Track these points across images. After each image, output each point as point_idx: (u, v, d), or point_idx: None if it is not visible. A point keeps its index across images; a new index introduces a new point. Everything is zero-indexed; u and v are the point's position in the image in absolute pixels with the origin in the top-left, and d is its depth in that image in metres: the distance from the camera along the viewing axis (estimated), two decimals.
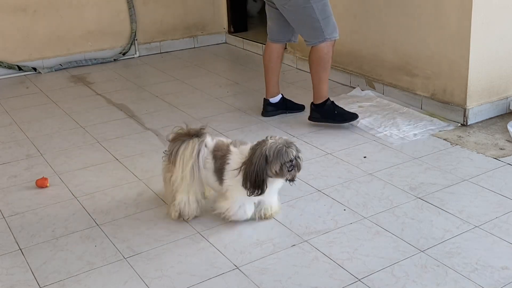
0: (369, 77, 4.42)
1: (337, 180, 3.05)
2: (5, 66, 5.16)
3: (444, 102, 3.83)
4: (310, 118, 3.77)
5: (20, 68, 5.19)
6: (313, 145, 3.49)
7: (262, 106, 4.00)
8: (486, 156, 3.28)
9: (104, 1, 5.52)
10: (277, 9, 3.63)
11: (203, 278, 2.29)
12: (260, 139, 2.51)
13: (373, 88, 4.39)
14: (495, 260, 2.35)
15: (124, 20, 5.66)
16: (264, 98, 3.98)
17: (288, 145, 2.45)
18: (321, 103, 3.68)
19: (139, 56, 5.76)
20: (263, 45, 5.61)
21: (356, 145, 3.49)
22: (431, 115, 3.87)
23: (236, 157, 2.53)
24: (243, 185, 2.46)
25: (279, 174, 2.45)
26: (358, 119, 3.70)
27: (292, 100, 4.06)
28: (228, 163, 2.54)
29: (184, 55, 5.79)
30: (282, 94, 3.98)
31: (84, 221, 2.75)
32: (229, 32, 6.19)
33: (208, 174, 2.60)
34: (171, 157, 2.60)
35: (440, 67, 3.82)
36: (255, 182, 2.43)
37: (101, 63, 5.53)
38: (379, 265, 2.33)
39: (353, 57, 4.56)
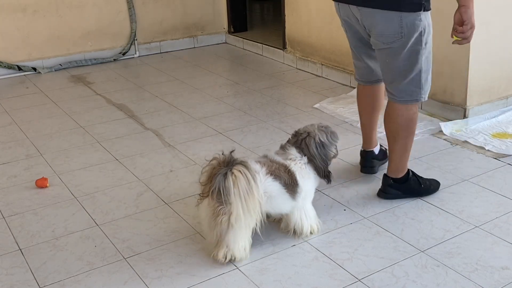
0: None
1: (337, 180, 3.04)
2: (5, 66, 5.16)
3: (444, 102, 3.83)
4: (384, 195, 2.85)
5: (20, 68, 5.19)
6: None
7: (360, 160, 3.12)
8: (486, 156, 3.28)
9: (104, 1, 5.52)
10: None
11: (203, 279, 2.29)
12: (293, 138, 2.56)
13: None
14: (495, 260, 2.35)
15: (124, 20, 5.66)
16: (365, 150, 3.08)
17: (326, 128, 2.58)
18: (404, 176, 2.82)
19: (139, 56, 5.76)
20: (263, 45, 5.63)
21: (356, 145, 3.49)
22: (431, 115, 3.87)
23: (293, 164, 2.45)
24: (322, 176, 2.54)
25: (334, 156, 2.60)
26: (438, 188, 2.93)
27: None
28: (295, 171, 2.44)
29: (184, 55, 5.79)
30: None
31: (84, 221, 2.75)
32: (229, 32, 6.20)
33: (278, 197, 2.39)
34: (220, 197, 2.19)
35: (440, 67, 3.81)
36: (328, 172, 2.55)
37: (101, 63, 5.53)
38: (379, 265, 2.33)
39: None
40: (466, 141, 3.45)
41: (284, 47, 5.33)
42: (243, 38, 5.97)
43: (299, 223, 2.50)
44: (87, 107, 4.34)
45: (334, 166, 3.19)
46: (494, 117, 3.74)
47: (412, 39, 2.51)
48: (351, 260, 2.38)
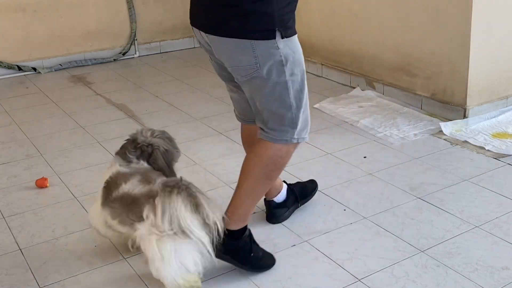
0: (369, 77, 4.43)
1: (337, 180, 3.05)
2: (5, 66, 5.16)
3: (444, 102, 3.83)
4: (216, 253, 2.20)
5: (20, 68, 5.19)
6: (313, 145, 3.49)
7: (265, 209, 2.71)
8: (486, 156, 3.28)
9: (104, 1, 5.52)
10: None
11: (203, 278, 2.28)
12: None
13: (373, 88, 4.39)
14: (495, 260, 2.35)
15: (124, 20, 5.66)
16: (266, 200, 2.67)
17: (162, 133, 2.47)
18: (240, 230, 2.27)
19: (139, 56, 5.76)
20: None
21: (356, 145, 3.49)
22: (431, 115, 3.87)
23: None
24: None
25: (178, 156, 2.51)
26: (271, 267, 2.37)
27: (300, 180, 2.87)
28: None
29: (184, 55, 5.79)
30: (285, 182, 2.71)
31: (84, 221, 2.74)
32: None
33: None
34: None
35: (440, 67, 3.82)
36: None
37: (101, 63, 5.53)
38: (379, 265, 2.33)
39: (353, 57, 4.56)
40: (466, 141, 3.45)
41: None
42: None
43: None
44: (87, 107, 4.34)
45: (334, 166, 3.21)
46: (494, 117, 3.73)
47: (272, 71, 2.09)
48: (351, 260, 2.38)
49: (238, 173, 3.13)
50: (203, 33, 2.18)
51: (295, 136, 2.19)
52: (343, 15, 4.56)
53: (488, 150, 3.32)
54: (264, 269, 2.34)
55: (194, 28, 2.25)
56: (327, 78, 4.80)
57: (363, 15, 4.38)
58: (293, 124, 2.17)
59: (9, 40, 5.19)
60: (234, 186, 2.98)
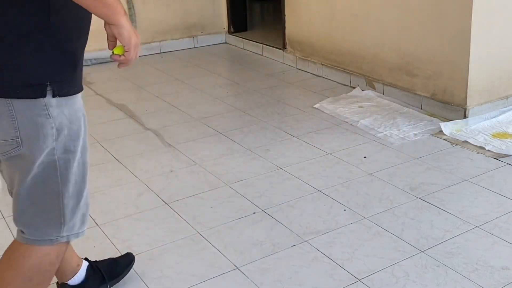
0: (369, 77, 4.43)
1: (337, 180, 3.05)
2: None
3: (444, 102, 3.83)
4: None
5: None
6: (313, 145, 3.49)
7: None
8: (486, 156, 3.28)
9: None
10: None
11: (203, 278, 2.29)
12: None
13: (373, 88, 4.39)
14: (495, 260, 2.35)
15: None
16: (58, 284, 2.08)
17: None
18: None
19: (139, 56, 5.74)
20: (263, 45, 5.63)
21: (356, 145, 3.49)
22: (431, 115, 3.87)
23: None
24: None
25: None
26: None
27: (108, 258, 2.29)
28: None
29: (184, 55, 5.79)
30: (87, 260, 2.15)
31: None
32: (229, 32, 6.20)
33: None
34: None
35: (440, 67, 3.82)
36: None
37: (101, 63, 5.53)
38: (379, 265, 2.33)
39: (353, 57, 4.56)
40: (466, 141, 3.45)
41: (284, 47, 5.33)
42: (243, 38, 5.97)
43: None
44: (87, 107, 4.28)
45: (334, 165, 3.21)
46: (494, 117, 3.73)
47: (39, 148, 1.50)
48: (351, 260, 2.38)
49: (238, 173, 3.17)
50: None
51: (64, 234, 1.62)
52: (343, 15, 4.56)
53: (488, 150, 3.33)
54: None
55: None
56: (327, 78, 4.81)
57: (363, 15, 4.38)
58: (60, 217, 1.61)
59: None
60: (234, 186, 3.02)
